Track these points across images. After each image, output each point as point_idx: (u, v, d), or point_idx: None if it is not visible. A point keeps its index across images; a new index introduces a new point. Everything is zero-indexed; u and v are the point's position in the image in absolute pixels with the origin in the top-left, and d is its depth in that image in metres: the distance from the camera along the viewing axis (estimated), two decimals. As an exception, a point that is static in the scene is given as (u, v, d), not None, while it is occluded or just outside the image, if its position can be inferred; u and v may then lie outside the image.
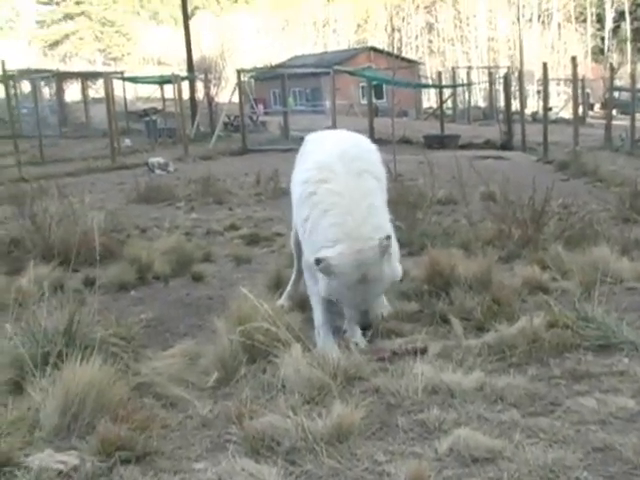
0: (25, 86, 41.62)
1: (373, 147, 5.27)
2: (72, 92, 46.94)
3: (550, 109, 35.01)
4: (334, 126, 25.82)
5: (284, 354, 4.05)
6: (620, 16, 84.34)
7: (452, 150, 23.25)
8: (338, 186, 4.66)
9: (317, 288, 4.87)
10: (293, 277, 6.11)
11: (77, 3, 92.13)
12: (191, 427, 3.59)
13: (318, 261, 4.38)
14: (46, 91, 44.10)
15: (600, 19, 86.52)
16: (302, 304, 5.52)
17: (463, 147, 27.55)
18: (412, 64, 58.03)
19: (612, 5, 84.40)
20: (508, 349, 4.33)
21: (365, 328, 4.61)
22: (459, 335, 4.79)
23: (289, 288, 6.06)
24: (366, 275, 4.42)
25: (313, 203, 4.70)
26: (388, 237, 4.53)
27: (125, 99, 40.93)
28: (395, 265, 4.69)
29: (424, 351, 4.42)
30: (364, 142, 5.31)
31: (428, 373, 3.92)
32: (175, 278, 7.27)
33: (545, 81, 26.54)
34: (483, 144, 28.80)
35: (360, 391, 3.83)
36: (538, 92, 49.50)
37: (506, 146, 27.35)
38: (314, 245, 4.63)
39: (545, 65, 26.90)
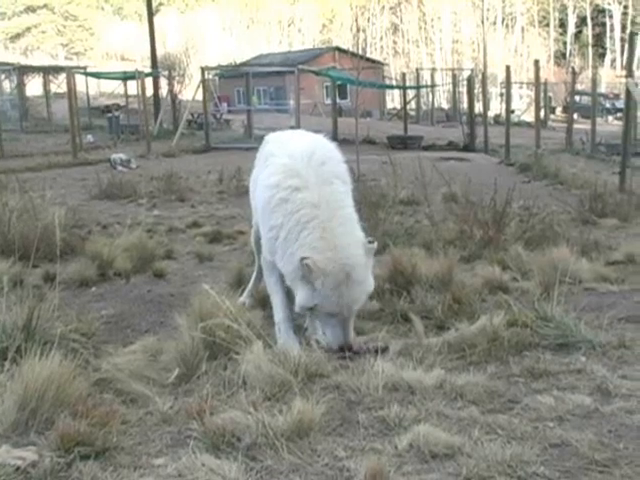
0: (-15, 80, 41.13)
1: (334, 146, 5.25)
2: (33, 86, 46.34)
3: (512, 112, 35.32)
4: (298, 125, 25.80)
5: (245, 351, 4.06)
6: (582, 21, 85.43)
7: (415, 151, 23.35)
8: (313, 196, 4.64)
9: (278, 286, 4.91)
10: (254, 275, 6.11)
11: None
12: (151, 423, 3.59)
13: (304, 259, 4.36)
14: (6, 85, 43.54)
15: (563, 24, 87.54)
16: (263, 302, 5.53)
17: (426, 148, 27.67)
18: (376, 65, 58.23)
19: (574, 11, 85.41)
20: (468, 347, 4.39)
21: (343, 348, 4.46)
22: (420, 333, 4.83)
23: (250, 286, 6.07)
24: (350, 274, 4.42)
25: (287, 211, 4.65)
26: (371, 241, 4.63)
27: (88, 95, 40.57)
28: (370, 276, 4.69)
29: (385, 350, 4.45)
30: (326, 143, 5.26)
31: (389, 371, 3.95)
32: (136, 275, 7.23)
33: (508, 84, 26.73)
34: (446, 145, 28.96)
35: (321, 388, 3.85)
36: (501, 95, 49.89)
37: (469, 148, 27.54)
38: (294, 255, 4.55)
39: (508, 68, 27.17)
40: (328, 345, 4.49)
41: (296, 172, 4.77)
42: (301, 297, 4.52)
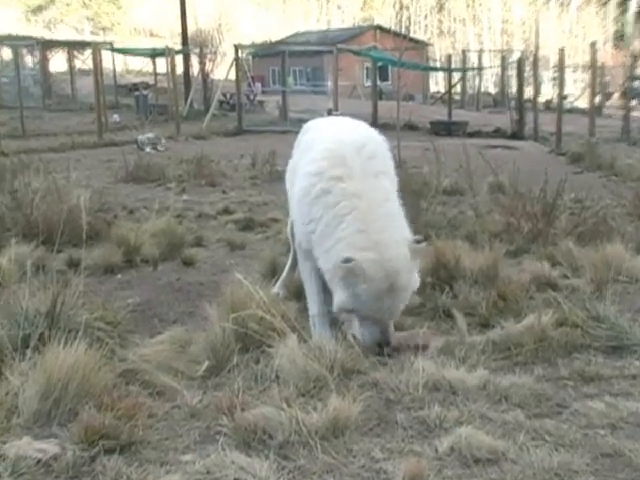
0: (6, 53, 41.37)
1: (384, 140, 5.16)
2: (57, 62, 46.59)
3: (565, 97, 34.90)
4: (336, 108, 25.74)
5: (279, 344, 4.09)
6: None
7: (460, 138, 23.26)
8: (355, 187, 4.57)
9: (314, 276, 4.91)
10: (288, 265, 6.14)
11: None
12: (179, 417, 3.63)
13: (347, 261, 4.25)
14: (29, 60, 43.81)
15: (623, 2, 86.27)
16: (298, 293, 5.55)
17: (471, 135, 27.51)
18: (420, 45, 57.85)
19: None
20: (514, 347, 4.39)
21: (383, 345, 4.43)
22: (463, 331, 4.83)
23: (284, 276, 6.09)
24: (394, 283, 4.35)
25: (327, 204, 4.58)
26: (418, 241, 4.53)
27: (114, 72, 40.82)
28: (416, 275, 4.63)
29: (425, 346, 4.45)
30: (377, 136, 5.18)
31: (429, 369, 3.97)
32: (164, 262, 7.30)
33: (561, 67, 26.43)
34: (492, 132, 28.75)
35: (358, 385, 3.87)
36: (553, 79, 49.12)
37: (517, 135, 27.30)
38: (330, 252, 4.50)
39: (562, 50, 26.83)
40: (365, 342, 4.46)
41: (342, 160, 4.68)
42: (340, 299, 4.46)
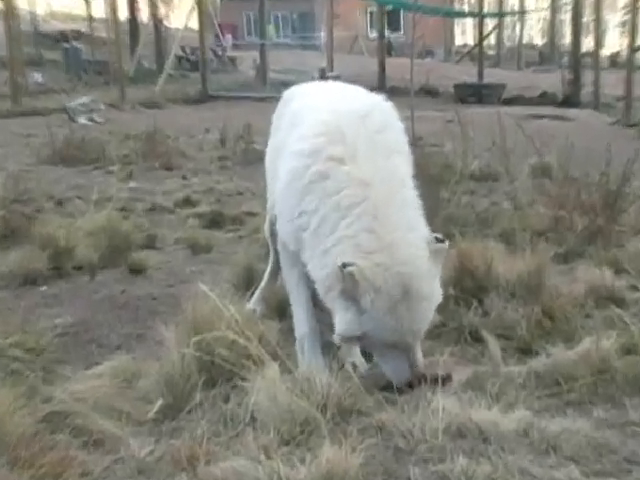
0: None
1: (394, 109, 5.13)
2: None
3: (638, 49, 34.95)
4: (331, 68, 25.81)
5: (255, 376, 4.10)
6: None
7: (493, 105, 23.35)
8: (362, 171, 4.54)
9: (302, 287, 4.92)
10: (268, 272, 6.17)
11: None
12: (123, 474, 3.63)
13: (345, 266, 4.19)
14: None
15: None
16: (280, 309, 5.57)
17: (509, 102, 27.67)
18: (442, -17, 58.10)
19: None
20: (564, 381, 4.39)
21: (411, 383, 4.39)
22: (496, 359, 4.84)
23: (262, 287, 6.13)
24: (410, 290, 4.29)
25: (325, 192, 4.56)
26: (440, 239, 4.53)
27: (34, 15, 40.66)
28: (438, 284, 4.58)
29: (447, 379, 4.46)
30: (385, 103, 5.14)
31: (452, 409, 3.96)
32: (105, 269, 7.32)
33: (634, 8, 26.23)
34: (538, 98, 28.91)
35: (358, 429, 3.87)
36: (622, 24, 49.14)
37: (571, 101, 27.41)
38: (328, 254, 4.45)
39: (636, -16, 26.65)
40: (392, 382, 4.41)
41: (341, 135, 4.67)
42: (343, 322, 4.39)
